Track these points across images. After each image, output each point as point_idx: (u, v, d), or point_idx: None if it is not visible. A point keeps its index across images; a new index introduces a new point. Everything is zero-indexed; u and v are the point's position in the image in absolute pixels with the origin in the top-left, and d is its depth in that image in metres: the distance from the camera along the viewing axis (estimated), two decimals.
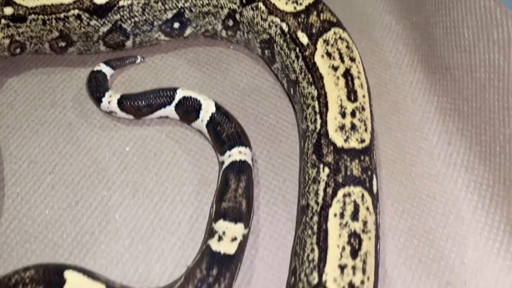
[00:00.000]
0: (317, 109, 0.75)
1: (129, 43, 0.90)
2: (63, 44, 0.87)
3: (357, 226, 0.65)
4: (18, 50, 0.87)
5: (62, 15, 0.82)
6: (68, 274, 0.63)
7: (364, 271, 0.63)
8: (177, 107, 0.81)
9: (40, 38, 0.85)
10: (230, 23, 0.88)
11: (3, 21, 0.82)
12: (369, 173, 0.70)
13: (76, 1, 0.82)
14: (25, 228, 0.75)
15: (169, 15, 0.87)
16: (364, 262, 0.63)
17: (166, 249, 0.75)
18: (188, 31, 0.91)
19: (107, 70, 0.87)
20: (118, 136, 0.84)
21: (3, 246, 0.74)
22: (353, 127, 0.72)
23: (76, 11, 0.83)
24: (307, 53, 0.79)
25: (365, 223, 0.66)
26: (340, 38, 0.79)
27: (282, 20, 0.81)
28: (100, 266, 0.73)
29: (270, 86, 0.91)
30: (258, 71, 0.92)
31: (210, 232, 0.72)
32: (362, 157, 0.70)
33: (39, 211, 0.77)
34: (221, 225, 0.71)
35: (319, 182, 0.70)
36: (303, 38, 0.80)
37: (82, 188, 0.79)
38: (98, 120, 0.85)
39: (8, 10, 0.82)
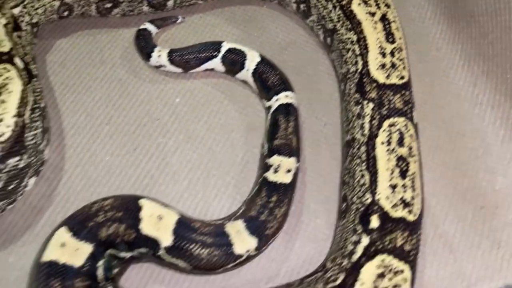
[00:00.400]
0: (357, 52, 0.80)
1: (170, 3, 0.95)
2: (109, 5, 0.92)
3: (403, 151, 0.71)
4: (66, 13, 0.92)
5: None
6: (143, 202, 0.68)
7: (413, 188, 0.69)
8: (223, 59, 0.87)
9: (88, 0, 0.91)
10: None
11: None
12: (410, 105, 0.76)
13: None
14: (88, 174, 0.81)
15: None
16: (412, 181, 0.70)
17: (222, 188, 0.81)
18: None
19: (152, 28, 0.92)
20: (167, 89, 0.89)
21: (69, 191, 0.80)
22: (393, 65, 0.78)
23: None
24: (344, 2, 0.85)
25: (410, 148, 0.72)
26: None
27: None
28: None
29: (305, 40, 0.96)
30: (292, 26, 0.98)
31: (265, 167, 0.78)
32: (403, 92, 0.76)
33: (99, 158, 0.82)
34: (275, 159, 0.77)
35: (363, 116, 0.76)
36: None
37: (138, 136, 0.84)
38: (146, 75, 0.90)
39: None
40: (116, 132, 0.84)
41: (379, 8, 0.82)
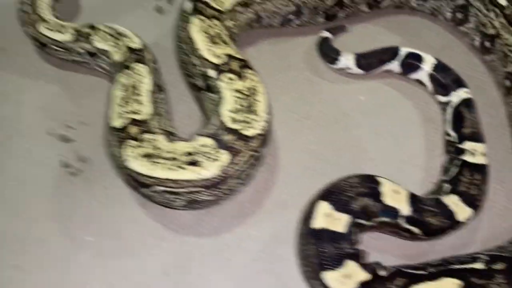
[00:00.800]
0: None
1: (341, 15, 1.09)
2: (293, 17, 1.06)
3: None
4: (256, 25, 1.06)
5: None
6: (380, 179, 0.81)
7: None
8: (402, 61, 1.00)
9: (277, 12, 1.04)
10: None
11: None
12: None
13: None
14: (301, 161, 0.94)
15: None
16: None
17: (412, 171, 0.93)
18: (385, 2, 1.10)
19: (330, 36, 1.05)
20: (351, 89, 1.02)
21: (288, 175, 0.92)
22: None
23: None
24: (507, 11, 0.98)
25: None
26: None
27: None
28: None
29: (457, 44, 1.09)
30: (443, 32, 1.10)
31: (457, 151, 0.90)
32: None
33: (307, 147, 0.95)
34: (469, 145, 0.89)
35: None
36: (502, 1, 0.99)
37: (335, 129, 0.98)
38: (331, 77, 1.03)
39: None
40: (316, 126, 0.98)
41: None
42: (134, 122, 0.84)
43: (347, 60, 1.01)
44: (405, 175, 0.93)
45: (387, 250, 0.85)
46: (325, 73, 1.05)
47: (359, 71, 1.02)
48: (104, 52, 0.95)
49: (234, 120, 0.83)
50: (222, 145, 0.81)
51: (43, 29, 0.99)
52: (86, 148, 0.95)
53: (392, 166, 0.94)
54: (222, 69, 0.86)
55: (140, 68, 0.90)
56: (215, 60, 0.87)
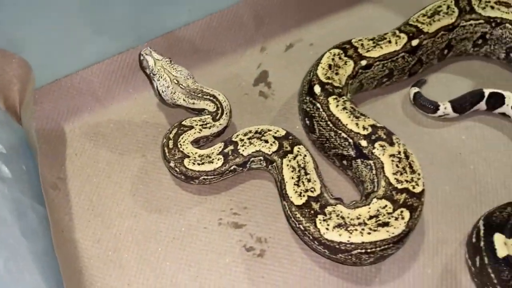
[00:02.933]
0: None
1: (420, 70, 1.23)
2: (385, 79, 1.19)
3: None
4: (358, 92, 1.18)
5: (394, 58, 1.15)
6: None
7: None
8: (487, 100, 1.15)
9: (375, 78, 1.17)
10: (479, 41, 1.24)
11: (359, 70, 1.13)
12: None
13: (402, 47, 1.14)
14: (440, 201, 1.05)
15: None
16: None
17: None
18: (450, 54, 1.25)
19: (419, 90, 1.19)
20: (452, 130, 1.15)
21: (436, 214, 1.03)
22: None
23: (402, 54, 1.15)
24: None
25: None
26: None
27: None
28: None
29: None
30: (500, 70, 1.26)
31: None
32: None
33: (439, 187, 1.07)
34: None
35: None
36: None
37: (455, 168, 1.10)
38: (431, 124, 1.16)
39: (363, 62, 1.13)
40: (440, 168, 1.10)
41: None
42: (313, 198, 0.93)
43: (445, 108, 1.15)
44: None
45: None
46: (426, 121, 1.17)
47: (456, 115, 1.17)
48: (257, 153, 1.03)
49: (398, 181, 0.93)
50: (398, 204, 0.91)
51: (189, 164, 1.02)
52: (258, 229, 1.02)
53: (508, 192, 1.06)
54: (373, 139, 0.98)
55: (300, 149, 1.00)
56: (364, 132, 0.99)
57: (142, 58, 1.10)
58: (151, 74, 1.09)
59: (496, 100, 1.17)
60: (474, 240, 0.94)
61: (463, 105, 1.16)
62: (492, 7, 1.22)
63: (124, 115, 1.18)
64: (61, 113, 1.17)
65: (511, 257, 0.87)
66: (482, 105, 1.17)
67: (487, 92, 1.17)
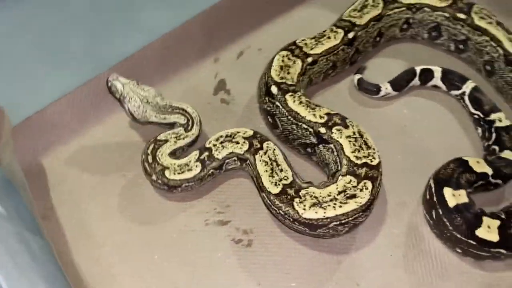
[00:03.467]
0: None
1: (359, 58, 1.36)
2: (330, 71, 1.31)
3: None
4: (308, 86, 1.28)
5: (335, 52, 1.27)
6: (464, 158, 1.09)
7: None
8: (420, 76, 1.29)
9: (321, 71, 1.28)
10: (405, 26, 1.39)
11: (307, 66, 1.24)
12: None
13: (341, 41, 1.27)
14: (394, 169, 1.18)
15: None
16: None
17: (464, 152, 1.22)
18: (381, 40, 1.39)
19: (362, 76, 1.32)
20: (394, 107, 1.29)
21: (391, 181, 1.15)
22: None
23: (341, 46, 1.27)
24: (469, 22, 1.32)
25: None
26: None
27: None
28: None
29: (437, 54, 1.40)
30: (426, 48, 1.41)
31: (489, 123, 1.19)
32: None
33: (392, 157, 1.20)
34: (494, 115, 1.19)
35: None
36: (461, 15, 1.32)
37: (402, 138, 1.23)
38: (376, 104, 1.30)
39: (309, 59, 1.24)
40: (386, 138, 1.22)
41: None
42: (287, 185, 1.03)
43: (386, 89, 1.29)
44: (461, 153, 1.17)
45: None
46: (371, 102, 1.31)
47: (395, 93, 1.31)
48: (230, 154, 1.11)
49: (357, 157, 1.05)
50: (360, 177, 1.03)
51: (170, 175, 1.09)
52: (242, 222, 1.11)
53: (449, 152, 1.18)
54: (330, 125, 1.09)
55: (269, 144, 1.10)
56: (321, 121, 1.10)
57: (109, 84, 1.16)
58: (121, 98, 1.15)
59: (427, 75, 1.32)
60: (428, 197, 1.08)
61: (401, 83, 1.31)
62: None
63: (98, 139, 1.24)
64: (36, 149, 1.21)
65: (460, 205, 1.02)
66: (416, 81, 1.32)
67: (418, 69, 1.32)
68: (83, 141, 1.22)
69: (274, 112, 1.17)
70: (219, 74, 1.38)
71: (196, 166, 1.10)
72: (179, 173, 1.09)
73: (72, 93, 1.25)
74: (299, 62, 1.23)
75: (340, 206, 1.00)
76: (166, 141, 1.14)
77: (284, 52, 1.24)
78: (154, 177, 1.10)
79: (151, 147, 1.13)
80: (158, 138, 1.15)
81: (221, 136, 1.14)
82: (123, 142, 1.23)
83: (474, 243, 0.99)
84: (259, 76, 1.33)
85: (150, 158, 1.12)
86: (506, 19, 1.40)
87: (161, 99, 1.19)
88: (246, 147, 1.11)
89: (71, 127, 1.24)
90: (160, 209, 1.12)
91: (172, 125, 1.19)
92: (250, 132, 1.14)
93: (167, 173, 1.09)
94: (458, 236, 1.01)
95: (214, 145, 1.13)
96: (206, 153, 1.12)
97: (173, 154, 1.15)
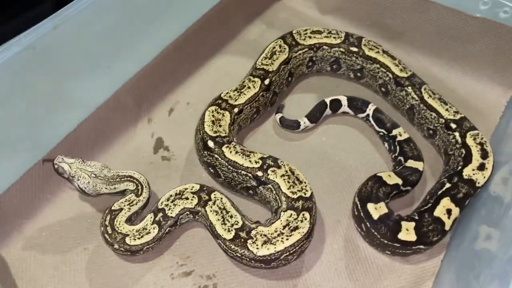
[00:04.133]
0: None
1: (277, 99, 1.51)
2: (255, 115, 1.44)
3: None
4: (236, 134, 1.41)
5: (256, 98, 1.41)
6: (379, 174, 1.27)
7: None
8: (330, 106, 1.49)
9: (248, 118, 1.41)
10: (310, 64, 1.57)
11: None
12: None
13: (259, 88, 1.41)
14: (319, 191, 1.34)
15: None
16: None
17: (377, 166, 1.42)
18: (293, 79, 1.56)
19: (282, 114, 1.47)
20: (314, 137, 1.47)
21: (322, 203, 1.31)
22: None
23: (261, 93, 1.41)
24: (362, 54, 1.53)
25: None
26: None
27: None
28: None
29: (344, 83, 1.62)
30: (331, 79, 1.63)
31: (392, 138, 1.41)
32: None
33: (319, 181, 1.36)
34: (395, 131, 1.41)
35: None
36: (354, 48, 1.54)
37: (323, 164, 1.40)
38: (298, 136, 1.47)
39: (236, 110, 1.36)
40: (312, 167, 1.40)
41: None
42: (239, 229, 1.15)
43: (304, 123, 1.47)
44: (375, 167, 1.41)
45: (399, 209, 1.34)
46: (294, 136, 1.49)
47: (313, 124, 1.49)
48: (183, 210, 1.21)
49: (293, 193, 1.20)
50: (299, 210, 1.17)
51: (131, 241, 1.16)
52: (204, 268, 1.20)
53: (366, 167, 1.41)
54: (265, 168, 1.23)
55: (216, 194, 1.22)
56: (257, 165, 1.23)
57: (56, 166, 1.20)
58: (70, 177, 1.20)
59: (336, 104, 1.52)
60: (356, 213, 1.27)
61: (316, 115, 1.50)
62: (310, 37, 1.58)
63: (51, 220, 1.27)
64: None
65: (382, 216, 1.21)
66: (328, 111, 1.52)
67: (328, 100, 1.52)
68: (36, 225, 1.26)
69: (215, 164, 1.30)
70: (155, 133, 1.47)
71: (154, 228, 1.19)
72: (139, 238, 1.17)
73: (16, 182, 1.27)
74: (227, 114, 1.36)
75: (287, 239, 1.14)
76: (120, 209, 1.21)
77: (213, 108, 1.37)
78: (116, 246, 1.17)
79: (108, 218, 1.20)
80: (113, 208, 1.22)
81: (171, 196, 1.24)
82: (78, 217, 1.28)
83: (398, 245, 1.19)
84: (192, 128, 1.46)
85: (109, 229, 1.18)
86: (387, 43, 1.67)
87: (108, 171, 1.26)
88: (195, 201, 1.22)
89: (22, 214, 1.26)
90: (127, 274, 1.19)
91: (122, 192, 1.27)
92: (197, 187, 1.25)
93: (127, 240, 1.17)
94: (385, 242, 1.20)
95: (166, 205, 1.22)
96: (160, 214, 1.21)
97: (129, 220, 1.22)
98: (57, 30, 1.24)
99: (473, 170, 1.29)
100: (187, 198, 1.23)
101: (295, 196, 1.21)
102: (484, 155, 1.33)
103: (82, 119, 1.38)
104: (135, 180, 1.26)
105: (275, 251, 1.13)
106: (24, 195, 1.28)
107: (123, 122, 1.46)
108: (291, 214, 1.18)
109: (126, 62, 1.50)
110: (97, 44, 1.38)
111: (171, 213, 1.21)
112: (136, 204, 1.24)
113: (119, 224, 1.20)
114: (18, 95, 1.23)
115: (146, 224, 1.20)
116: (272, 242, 1.14)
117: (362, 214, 1.23)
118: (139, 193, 1.25)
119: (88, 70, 1.38)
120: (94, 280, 1.18)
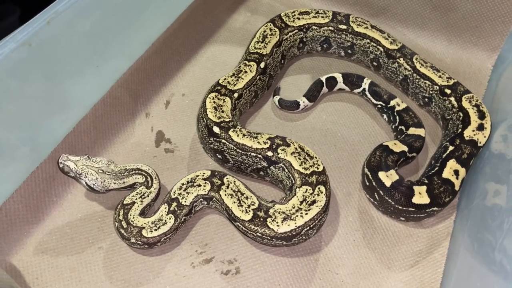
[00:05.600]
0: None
1: (273, 82, 1.50)
2: (254, 100, 1.43)
3: None
4: (239, 117, 1.39)
5: (254, 82, 1.39)
6: (384, 143, 1.28)
7: None
8: (326, 84, 1.49)
9: (247, 103, 1.39)
10: (301, 45, 1.57)
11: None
12: None
13: (256, 72, 1.39)
14: (329, 165, 1.34)
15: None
16: None
17: (379, 138, 1.43)
18: (286, 61, 1.56)
19: (279, 96, 1.46)
20: (314, 116, 1.47)
21: (334, 178, 1.31)
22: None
23: (258, 76, 1.40)
24: (350, 30, 1.54)
25: None
26: None
27: None
28: None
29: (334, 62, 1.63)
30: (323, 59, 1.64)
31: (391, 108, 1.43)
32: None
33: (325, 157, 1.36)
34: (392, 102, 1.43)
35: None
36: (342, 26, 1.55)
37: (327, 139, 1.40)
38: (298, 117, 1.46)
39: (236, 95, 1.34)
40: (319, 143, 1.40)
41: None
42: (256, 209, 1.13)
43: (303, 102, 1.46)
44: (377, 138, 1.43)
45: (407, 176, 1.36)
46: (293, 116, 1.48)
47: (312, 103, 1.49)
48: (196, 197, 1.18)
49: (306, 168, 1.19)
50: (314, 184, 1.17)
51: (148, 233, 1.13)
52: (225, 254, 1.18)
53: (368, 139, 1.42)
54: (275, 147, 1.22)
55: (229, 178, 1.20)
56: (266, 146, 1.22)
57: (61, 165, 1.16)
58: (77, 175, 1.15)
59: (332, 81, 1.53)
60: (367, 183, 1.27)
61: (313, 94, 1.50)
62: (299, 18, 1.57)
63: (60, 222, 1.22)
64: (2, 251, 1.15)
65: (394, 182, 1.22)
66: (325, 88, 1.52)
67: (323, 78, 1.52)
68: (45, 228, 1.20)
69: (222, 149, 1.27)
70: (154, 127, 1.43)
71: (169, 218, 1.16)
72: (155, 230, 1.14)
73: (20, 187, 1.20)
74: (228, 100, 1.34)
75: (306, 213, 1.13)
76: (133, 203, 1.18)
77: (213, 94, 1.35)
78: (133, 240, 1.13)
79: (121, 213, 1.16)
80: (125, 202, 1.18)
81: (183, 184, 1.21)
82: (87, 217, 1.23)
83: (413, 209, 1.20)
84: (191, 119, 1.43)
85: (124, 224, 1.14)
86: (371, 19, 1.69)
87: (115, 165, 1.21)
88: (208, 186, 1.20)
89: (29, 219, 1.20)
90: (147, 267, 1.16)
91: (131, 187, 1.23)
92: (208, 173, 1.23)
93: (144, 232, 1.13)
94: (400, 207, 1.21)
95: (179, 194, 1.19)
96: (174, 203, 1.18)
97: (142, 213, 1.19)
98: (48, 26, 1.19)
99: (473, 131, 1.32)
100: (199, 185, 1.21)
101: (308, 172, 1.20)
102: (481, 115, 1.36)
103: (79, 119, 1.33)
104: (143, 173, 1.23)
105: (295, 226, 1.12)
106: (30, 200, 1.22)
107: (121, 119, 1.42)
108: (307, 190, 1.17)
109: (117, 59, 1.46)
110: (87, 44, 1.33)
111: (185, 201, 1.18)
112: (148, 196, 1.20)
113: (133, 217, 1.16)
114: (14, 99, 1.18)
115: (161, 215, 1.17)
116: (292, 218, 1.13)
117: (374, 183, 1.24)
118: (150, 184, 1.22)
119: (81, 69, 1.33)
120: (114, 278, 1.14)
